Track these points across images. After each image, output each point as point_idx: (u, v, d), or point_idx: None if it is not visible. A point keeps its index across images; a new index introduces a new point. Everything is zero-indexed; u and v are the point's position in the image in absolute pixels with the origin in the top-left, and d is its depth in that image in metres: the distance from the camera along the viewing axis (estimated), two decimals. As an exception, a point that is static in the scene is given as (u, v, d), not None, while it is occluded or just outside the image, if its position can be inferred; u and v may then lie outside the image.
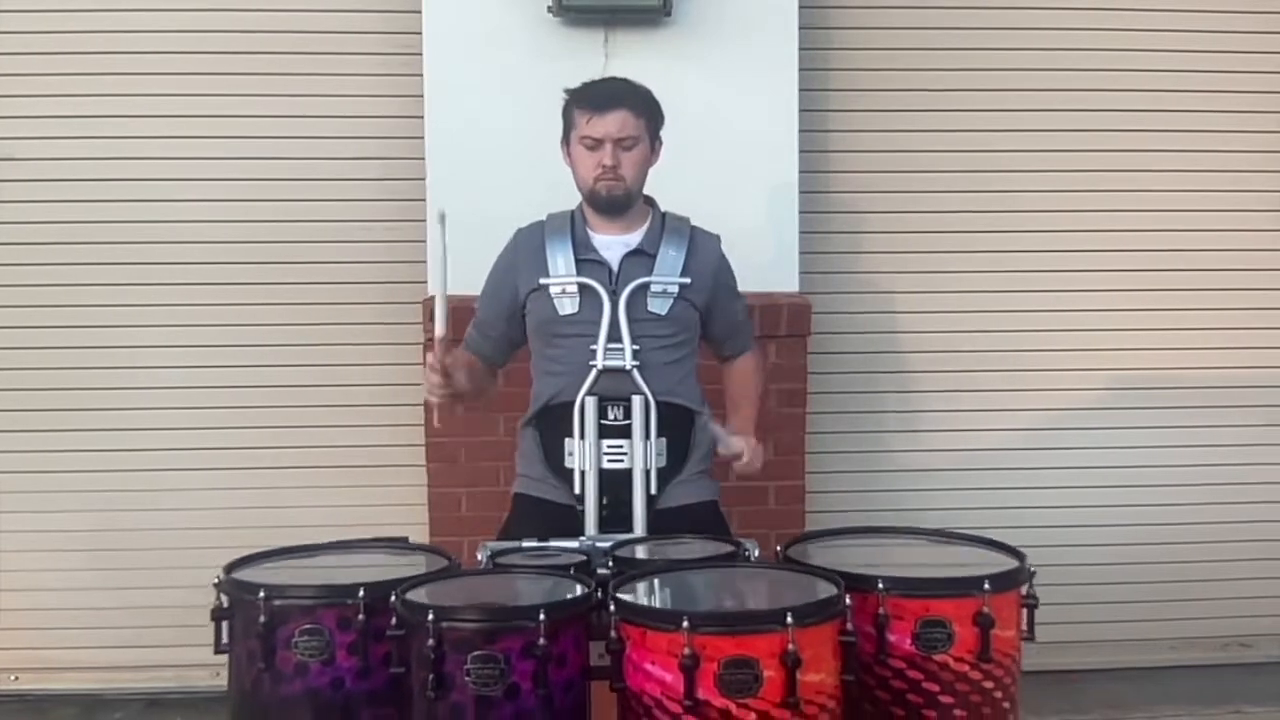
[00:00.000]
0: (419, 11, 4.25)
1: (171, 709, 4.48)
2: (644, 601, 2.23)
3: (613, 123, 3.03)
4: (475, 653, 2.13)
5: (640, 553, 2.69)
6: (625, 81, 3.16)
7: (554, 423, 3.07)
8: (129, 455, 4.53)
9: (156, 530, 4.52)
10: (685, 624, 2.03)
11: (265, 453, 4.56)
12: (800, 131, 4.34)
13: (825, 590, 2.25)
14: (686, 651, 2.02)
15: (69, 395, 4.51)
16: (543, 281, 3.08)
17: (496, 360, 3.34)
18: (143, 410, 4.52)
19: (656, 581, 2.41)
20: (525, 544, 2.74)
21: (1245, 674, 4.76)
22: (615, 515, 2.96)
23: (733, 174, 4.25)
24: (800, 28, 4.32)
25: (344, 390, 4.56)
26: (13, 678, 4.58)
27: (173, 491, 4.51)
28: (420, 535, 4.14)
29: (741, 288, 3.35)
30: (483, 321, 3.30)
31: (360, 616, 2.31)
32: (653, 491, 2.98)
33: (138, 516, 4.53)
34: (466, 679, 2.13)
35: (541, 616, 2.12)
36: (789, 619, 2.04)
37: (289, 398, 4.55)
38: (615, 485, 2.97)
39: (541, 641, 2.11)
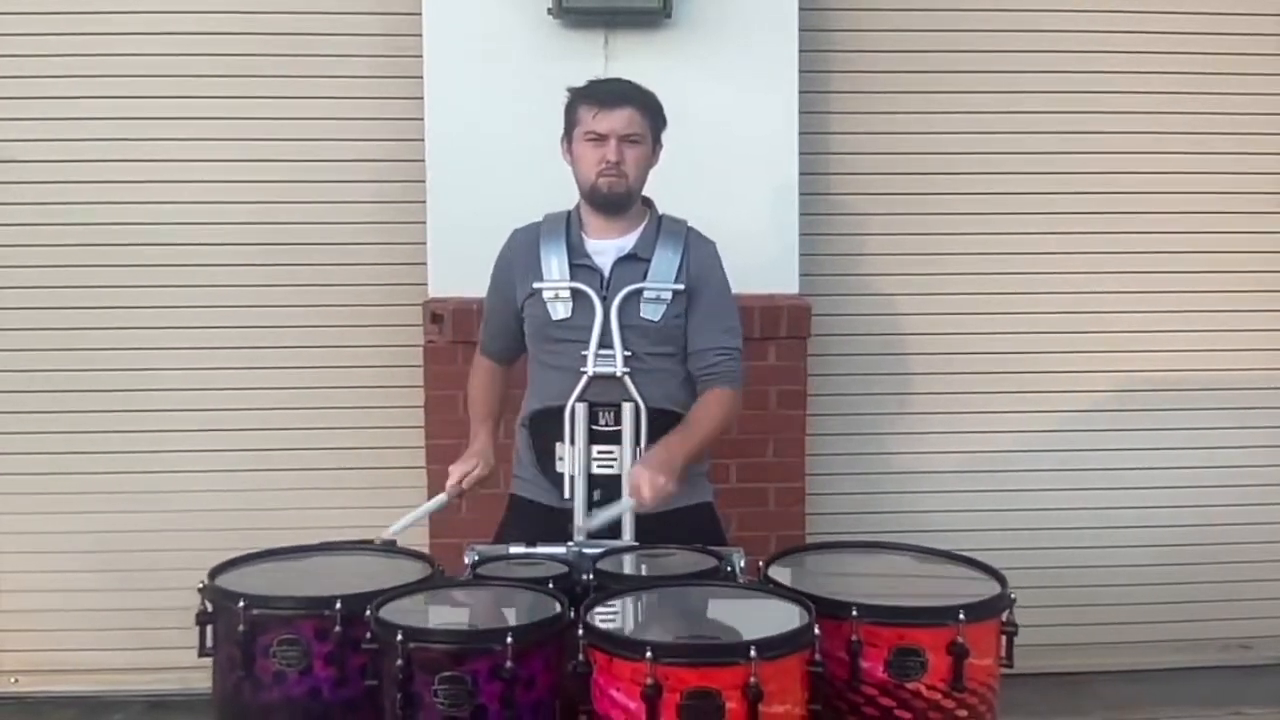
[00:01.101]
0: (419, 14, 4.25)
1: (173, 711, 4.49)
2: (615, 623, 2.23)
3: (619, 119, 3.02)
4: (443, 674, 2.14)
5: (625, 564, 2.69)
6: (631, 82, 3.14)
7: (545, 427, 3.08)
8: (130, 456, 4.56)
9: (157, 531, 4.54)
10: (649, 654, 2.03)
11: (266, 454, 4.58)
12: (800, 132, 4.32)
13: (796, 618, 2.23)
14: (649, 681, 2.02)
15: (71, 396, 4.53)
16: (536, 286, 3.07)
17: (506, 359, 3.33)
18: (144, 412, 4.54)
19: (629, 602, 2.41)
20: (512, 549, 2.75)
21: (1246, 676, 4.75)
22: None
23: (733, 175, 4.24)
24: (800, 29, 4.30)
25: (344, 392, 4.57)
26: (13, 680, 4.61)
27: (173, 493, 4.53)
28: (419, 538, 4.15)
29: (742, 289, 3.26)
30: (490, 321, 3.31)
31: (337, 628, 2.33)
32: None
33: (138, 518, 4.55)
34: (435, 699, 2.14)
35: (509, 639, 2.12)
36: (752, 652, 2.03)
37: (289, 400, 4.57)
38: (605, 489, 2.96)
39: (509, 664, 2.11)
